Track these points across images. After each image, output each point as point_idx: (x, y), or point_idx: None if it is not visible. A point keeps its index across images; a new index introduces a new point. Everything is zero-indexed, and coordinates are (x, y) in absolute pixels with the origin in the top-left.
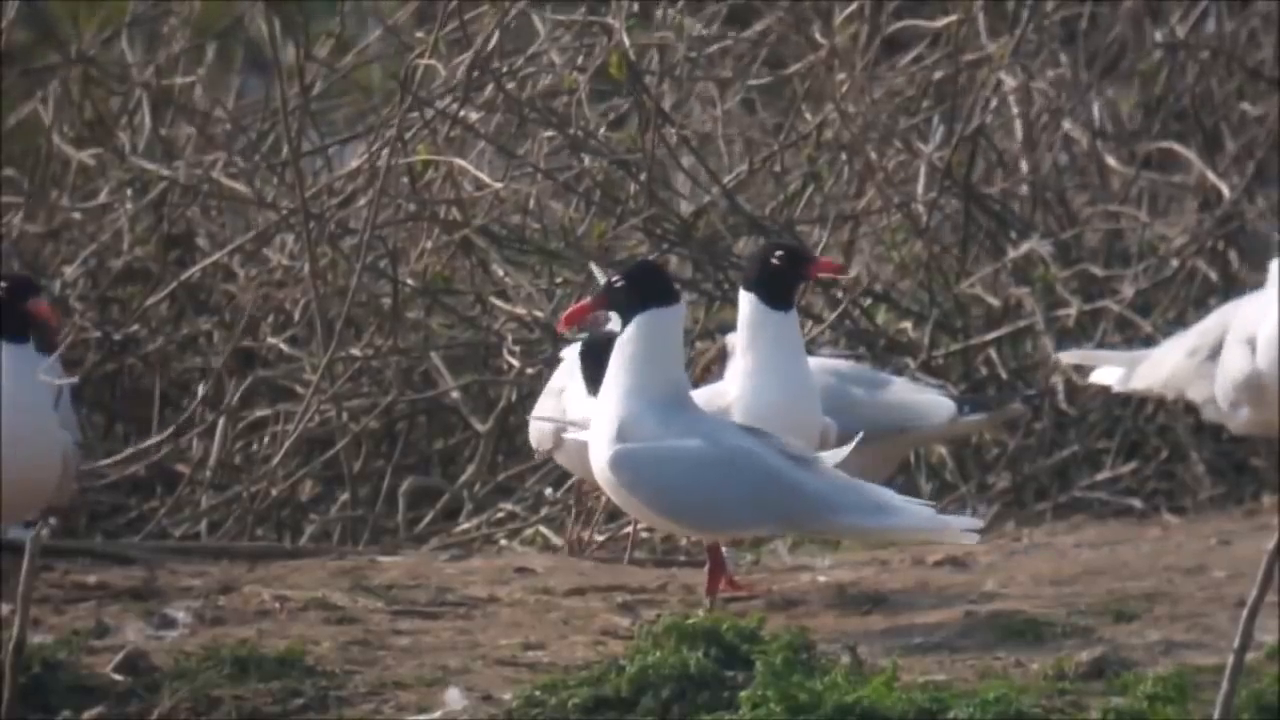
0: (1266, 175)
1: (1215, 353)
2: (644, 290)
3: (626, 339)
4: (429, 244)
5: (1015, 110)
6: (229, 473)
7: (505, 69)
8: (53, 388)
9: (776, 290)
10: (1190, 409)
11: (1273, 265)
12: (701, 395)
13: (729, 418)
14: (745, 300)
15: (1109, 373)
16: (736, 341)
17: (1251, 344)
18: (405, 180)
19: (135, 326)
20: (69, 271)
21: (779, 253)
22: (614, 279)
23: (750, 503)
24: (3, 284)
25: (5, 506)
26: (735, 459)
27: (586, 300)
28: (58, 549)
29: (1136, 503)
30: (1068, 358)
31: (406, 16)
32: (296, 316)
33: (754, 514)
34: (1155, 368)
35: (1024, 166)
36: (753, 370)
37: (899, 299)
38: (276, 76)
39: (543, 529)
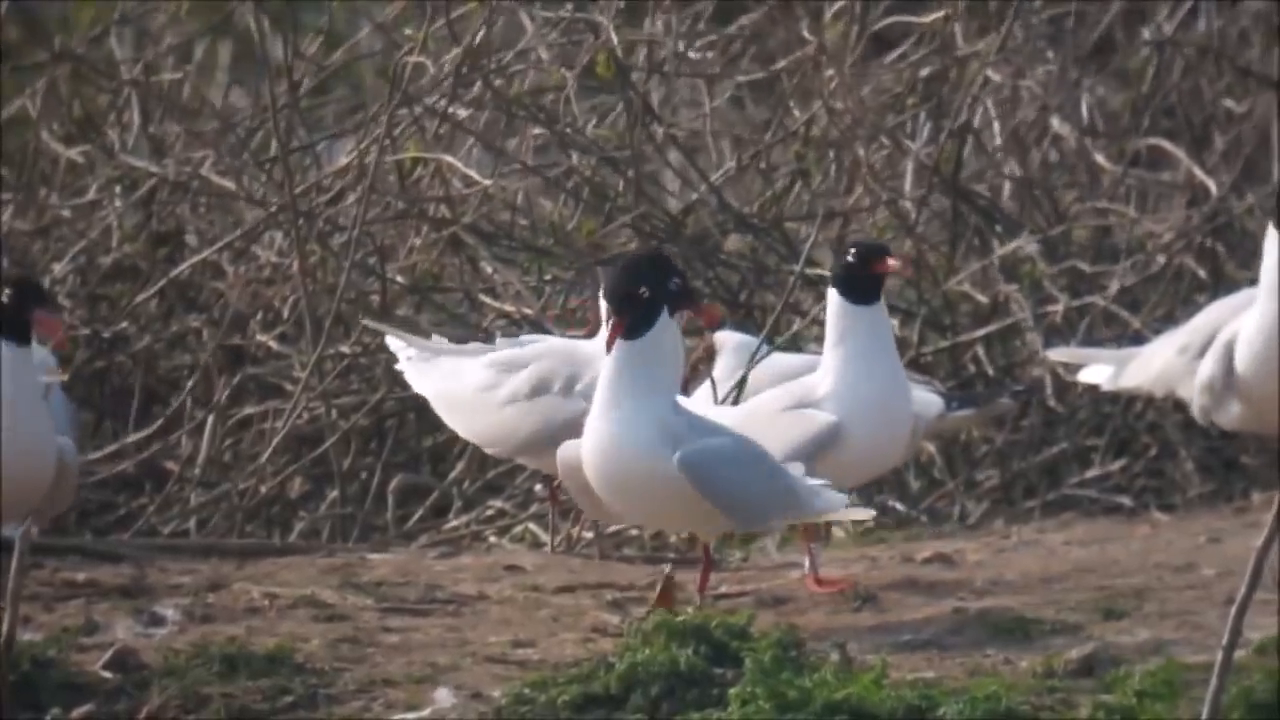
0: (1254, 172)
1: (1205, 351)
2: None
3: (650, 344)
4: (418, 241)
5: (1000, 107)
6: (218, 470)
7: (493, 66)
8: (42, 386)
9: (856, 286)
10: (1180, 407)
11: (1270, 236)
12: (790, 390)
13: (821, 411)
14: (831, 297)
15: (1098, 371)
16: (825, 337)
17: (1229, 348)
18: (394, 177)
19: (124, 324)
20: (58, 269)
21: (852, 249)
22: (643, 290)
23: (779, 495)
24: (10, 290)
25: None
26: (766, 454)
27: (619, 320)
28: (47, 546)
29: (1126, 500)
30: (1056, 355)
31: (394, 13)
32: (286, 314)
33: (778, 507)
34: (1145, 365)
35: (1011, 164)
36: (844, 365)
37: (887, 295)
38: (265, 74)
39: (532, 526)
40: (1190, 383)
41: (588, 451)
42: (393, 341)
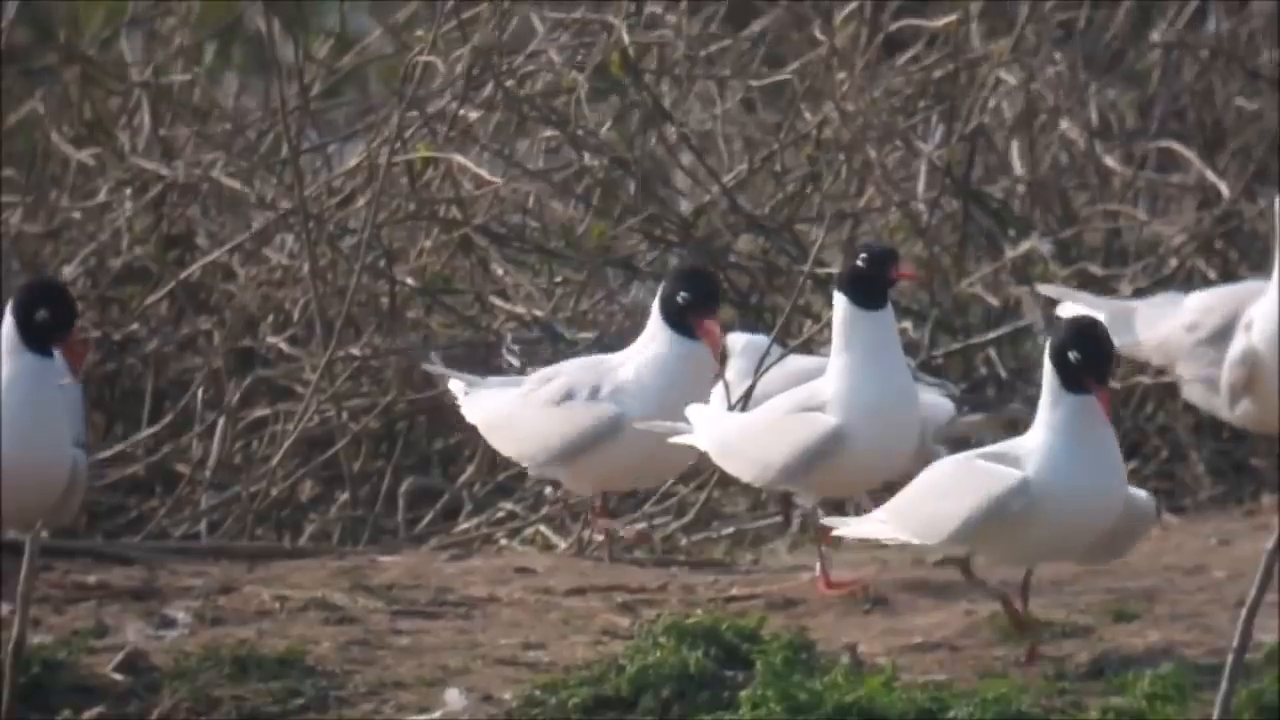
0: (1266, 174)
1: (1214, 335)
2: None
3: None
4: (428, 243)
5: (1014, 109)
6: (229, 473)
7: (504, 67)
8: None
9: (864, 291)
10: (1190, 408)
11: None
12: (796, 394)
13: (825, 415)
14: (837, 301)
15: (1077, 310)
16: (832, 342)
17: (1249, 326)
18: (404, 179)
19: (135, 326)
20: (68, 271)
21: (864, 254)
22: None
23: None
24: (46, 312)
25: (4, 511)
26: None
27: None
28: (58, 549)
29: None
30: (1045, 291)
31: (406, 14)
32: (296, 316)
33: None
34: (1147, 329)
35: (1022, 166)
36: (848, 370)
37: (898, 298)
38: (276, 76)
39: (543, 528)
40: (1191, 364)
41: (1081, 493)
42: (454, 385)
